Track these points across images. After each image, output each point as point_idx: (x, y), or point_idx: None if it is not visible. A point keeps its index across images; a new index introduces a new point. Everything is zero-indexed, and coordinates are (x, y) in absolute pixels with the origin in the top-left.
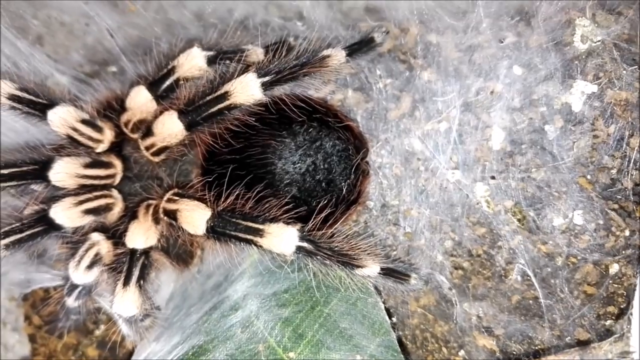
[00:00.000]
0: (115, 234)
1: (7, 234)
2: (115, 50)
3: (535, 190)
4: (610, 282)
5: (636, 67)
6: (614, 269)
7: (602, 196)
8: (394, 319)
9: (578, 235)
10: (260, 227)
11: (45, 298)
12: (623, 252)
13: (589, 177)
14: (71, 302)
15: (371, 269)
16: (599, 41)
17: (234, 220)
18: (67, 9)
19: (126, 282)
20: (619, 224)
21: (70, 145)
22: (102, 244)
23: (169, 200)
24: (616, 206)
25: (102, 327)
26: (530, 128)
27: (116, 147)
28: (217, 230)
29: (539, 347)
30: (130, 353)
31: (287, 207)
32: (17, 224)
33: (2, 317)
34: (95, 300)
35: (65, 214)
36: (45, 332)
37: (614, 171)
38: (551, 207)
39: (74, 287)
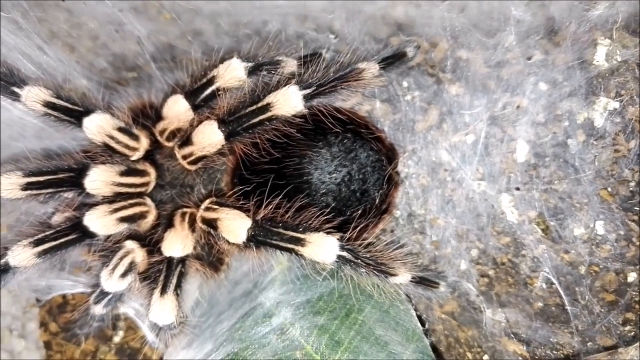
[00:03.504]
0: (150, 242)
1: (40, 242)
2: (141, 57)
3: (557, 201)
4: (630, 290)
5: None
6: (633, 277)
7: (622, 208)
8: (426, 326)
9: (600, 245)
10: (302, 236)
11: (63, 304)
12: None
13: (609, 189)
14: (99, 309)
15: (403, 277)
16: (622, 61)
17: (275, 229)
18: (98, 15)
19: (163, 291)
20: (639, 235)
21: (105, 153)
22: (136, 252)
23: (208, 209)
24: (636, 217)
25: (121, 333)
26: (553, 142)
27: (150, 155)
28: (258, 239)
29: (567, 352)
30: None
31: (327, 217)
32: (51, 232)
33: (8, 324)
34: (117, 306)
35: (100, 221)
36: (62, 339)
37: (633, 184)
38: (573, 217)
39: (104, 294)
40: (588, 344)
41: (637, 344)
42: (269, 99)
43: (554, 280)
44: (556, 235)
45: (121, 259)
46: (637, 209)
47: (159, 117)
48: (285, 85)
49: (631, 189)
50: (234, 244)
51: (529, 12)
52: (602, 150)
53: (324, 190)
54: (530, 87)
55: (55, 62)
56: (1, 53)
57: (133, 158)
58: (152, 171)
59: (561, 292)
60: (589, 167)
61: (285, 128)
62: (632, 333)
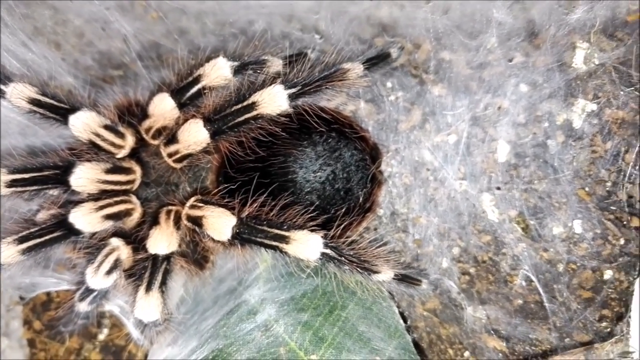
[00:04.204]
0: (135, 240)
1: (25, 239)
2: (127, 55)
3: (537, 200)
4: (605, 287)
5: (632, 88)
6: (609, 275)
7: (599, 207)
8: (408, 322)
9: (577, 244)
10: (286, 234)
11: (47, 302)
12: (619, 259)
13: (587, 189)
14: (84, 306)
15: (386, 274)
16: (599, 64)
17: (259, 227)
18: (84, 13)
19: (149, 288)
20: (614, 233)
21: (91, 151)
22: (122, 249)
23: (193, 207)
24: (612, 217)
25: (106, 331)
26: (533, 142)
27: (135, 153)
28: (243, 237)
29: (545, 347)
30: (135, 357)
31: (311, 214)
32: (36, 229)
33: None
34: (102, 304)
35: (86, 219)
36: (45, 337)
37: (609, 184)
38: (552, 216)
39: (89, 291)
40: (565, 339)
41: (613, 339)
42: (255, 97)
43: (533, 278)
44: (536, 234)
45: (106, 256)
46: (613, 208)
47: (144, 115)
48: (270, 85)
49: (607, 189)
50: (218, 241)
51: (510, 14)
52: (580, 151)
53: (308, 189)
54: (511, 88)
55: (41, 59)
56: None
57: (119, 156)
58: (137, 169)
59: (540, 289)
60: (568, 167)
61: (270, 127)
62: (608, 329)
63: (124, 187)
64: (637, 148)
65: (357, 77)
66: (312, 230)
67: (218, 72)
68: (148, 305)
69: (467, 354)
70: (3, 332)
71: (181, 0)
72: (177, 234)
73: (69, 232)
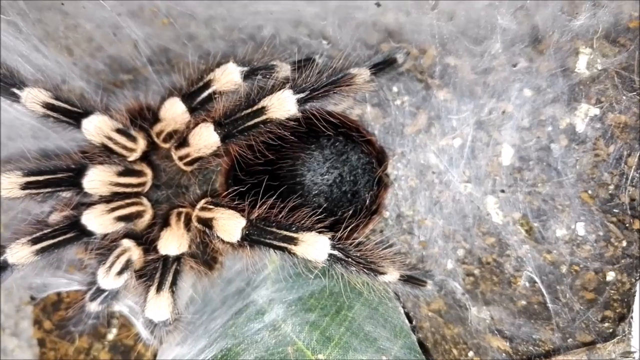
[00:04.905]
0: (146, 241)
1: (38, 240)
2: (138, 59)
3: (541, 203)
4: (608, 288)
5: (635, 93)
6: (611, 276)
7: (601, 210)
8: (414, 323)
9: (580, 245)
10: (295, 235)
11: (58, 302)
12: (621, 261)
13: (590, 192)
14: (95, 306)
15: (392, 275)
16: (602, 69)
17: (268, 228)
18: (95, 18)
19: (159, 288)
20: (617, 236)
21: (103, 154)
22: (133, 250)
23: (203, 209)
24: (614, 219)
25: (115, 330)
26: (537, 146)
27: (146, 156)
28: (252, 238)
29: (548, 347)
30: (143, 357)
31: (319, 217)
32: (49, 230)
33: (1, 322)
34: (112, 304)
35: (98, 220)
36: (55, 337)
37: (612, 187)
38: (555, 219)
39: (100, 292)
40: (568, 340)
41: (615, 339)
42: (264, 102)
43: (537, 279)
44: (539, 236)
45: (118, 257)
46: (616, 211)
47: (156, 119)
48: (279, 90)
49: (610, 192)
50: (228, 242)
51: (514, 21)
52: (583, 155)
53: (316, 191)
54: (515, 93)
55: (53, 63)
56: (0, 55)
57: (130, 159)
58: (148, 172)
59: (543, 290)
60: (571, 170)
61: (279, 131)
62: (610, 330)
63: (135, 190)
64: (639, 152)
65: (364, 82)
66: (319, 232)
67: (228, 77)
68: (159, 305)
69: (471, 353)
70: (12, 331)
71: (191, 4)
72: (187, 236)
73: (82, 233)
